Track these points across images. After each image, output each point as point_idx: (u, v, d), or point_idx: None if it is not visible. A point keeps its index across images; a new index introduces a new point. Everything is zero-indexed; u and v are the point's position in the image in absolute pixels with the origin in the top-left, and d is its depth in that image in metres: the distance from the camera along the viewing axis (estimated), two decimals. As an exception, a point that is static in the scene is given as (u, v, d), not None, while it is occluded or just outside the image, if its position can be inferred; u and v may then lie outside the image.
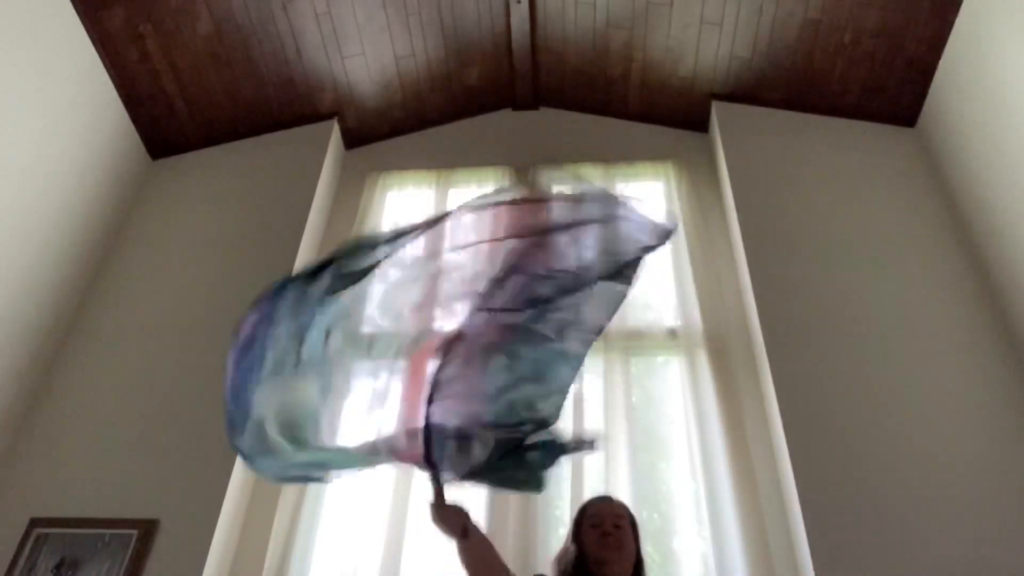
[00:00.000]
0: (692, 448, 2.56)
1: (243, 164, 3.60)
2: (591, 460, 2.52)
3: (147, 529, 2.39)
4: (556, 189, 1.98)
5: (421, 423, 1.63)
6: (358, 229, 3.34)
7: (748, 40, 3.41)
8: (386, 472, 2.61)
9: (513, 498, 2.44)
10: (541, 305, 1.71)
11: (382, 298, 1.79)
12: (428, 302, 1.79)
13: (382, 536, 2.46)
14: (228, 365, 1.65)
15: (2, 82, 2.75)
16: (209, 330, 2.90)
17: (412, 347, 1.75)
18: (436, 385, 1.65)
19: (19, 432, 2.71)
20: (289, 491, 2.60)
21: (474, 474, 1.67)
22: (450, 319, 1.75)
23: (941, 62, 3.14)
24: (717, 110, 3.59)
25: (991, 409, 2.51)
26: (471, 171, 3.62)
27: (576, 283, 1.73)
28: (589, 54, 3.70)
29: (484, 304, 1.73)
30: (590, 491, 2.42)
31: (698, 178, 3.47)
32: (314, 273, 1.73)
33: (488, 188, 3.53)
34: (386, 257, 1.77)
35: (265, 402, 1.64)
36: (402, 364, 1.74)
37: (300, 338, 1.69)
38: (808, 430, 2.47)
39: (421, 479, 2.56)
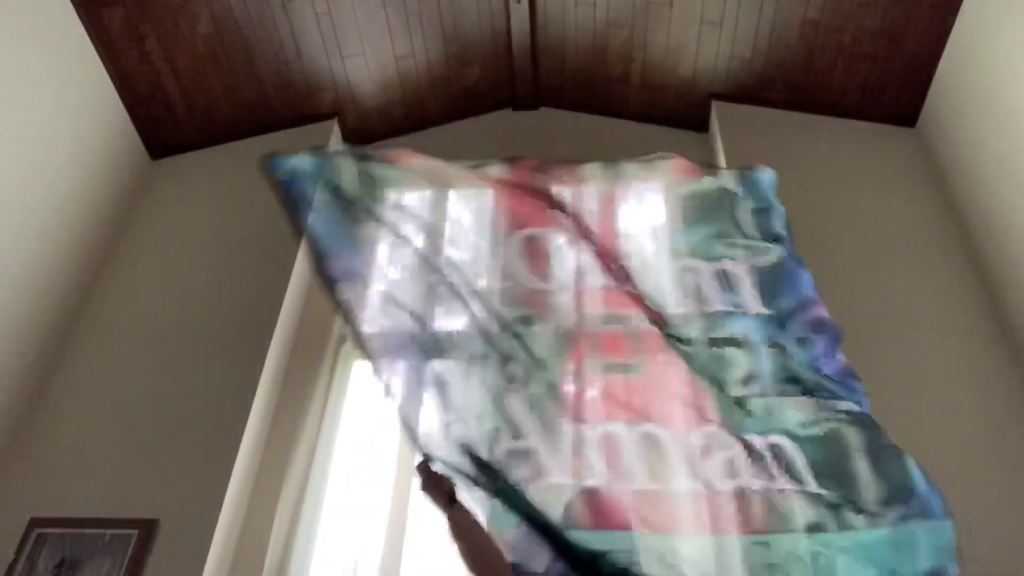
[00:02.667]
0: (692, 448, 2.55)
1: (243, 164, 3.57)
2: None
3: (147, 529, 2.39)
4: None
5: None
6: (358, 229, 3.34)
7: (748, 40, 3.41)
8: (386, 472, 2.62)
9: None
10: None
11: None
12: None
13: (382, 536, 2.47)
14: None
15: (1, 82, 2.76)
16: (209, 330, 2.90)
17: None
18: None
19: (19, 432, 2.71)
20: (289, 491, 2.60)
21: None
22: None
23: (941, 62, 3.14)
24: (717, 110, 3.59)
25: (990, 407, 2.51)
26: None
27: None
28: (589, 54, 3.70)
29: None
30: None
31: (698, 178, 3.47)
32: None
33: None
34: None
35: None
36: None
37: None
38: (808, 430, 2.47)
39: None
